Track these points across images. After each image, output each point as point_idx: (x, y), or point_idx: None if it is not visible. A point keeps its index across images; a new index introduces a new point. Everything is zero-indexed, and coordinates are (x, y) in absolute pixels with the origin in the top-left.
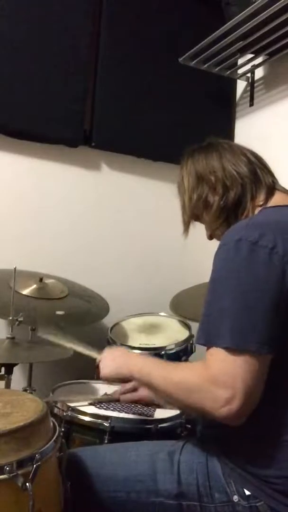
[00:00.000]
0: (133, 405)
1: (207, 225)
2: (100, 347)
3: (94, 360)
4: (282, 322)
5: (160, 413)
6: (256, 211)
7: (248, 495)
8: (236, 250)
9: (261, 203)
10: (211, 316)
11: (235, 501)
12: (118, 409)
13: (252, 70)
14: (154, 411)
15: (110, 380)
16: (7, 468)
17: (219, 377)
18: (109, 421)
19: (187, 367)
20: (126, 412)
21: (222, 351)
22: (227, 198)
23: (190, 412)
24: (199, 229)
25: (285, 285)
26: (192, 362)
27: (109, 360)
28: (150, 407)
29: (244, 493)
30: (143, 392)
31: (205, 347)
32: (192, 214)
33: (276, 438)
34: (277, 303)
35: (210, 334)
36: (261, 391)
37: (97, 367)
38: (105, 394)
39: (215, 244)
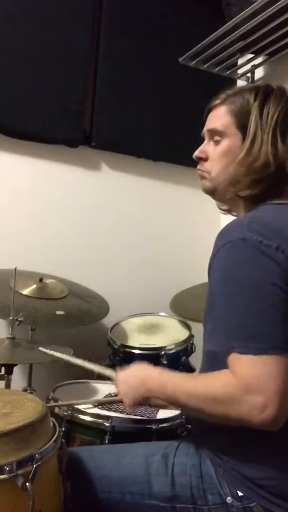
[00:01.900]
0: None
1: (222, 164)
2: (100, 347)
3: (93, 360)
4: None
5: (161, 414)
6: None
7: (241, 496)
8: (242, 250)
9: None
10: (228, 319)
11: (229, 502)
12: (120, 410)
13: (252, 70)
14: (157, 412)
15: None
16: (7, 468)
17: (251, 384)
18: (110, 421)
19: (212, 378)
20: (128, 413)
21: (249, 355)
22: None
23: (227, 423)
24: (199, 229)
25: None
26: (215, 372)
27: (127, 387)
28: (153, 409)
29: (237, 494)
30: None
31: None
32: (234, 124)
33: (269, 441)
34: None
35: (232, 339)
36: None
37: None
38: (109, 394)
39: None
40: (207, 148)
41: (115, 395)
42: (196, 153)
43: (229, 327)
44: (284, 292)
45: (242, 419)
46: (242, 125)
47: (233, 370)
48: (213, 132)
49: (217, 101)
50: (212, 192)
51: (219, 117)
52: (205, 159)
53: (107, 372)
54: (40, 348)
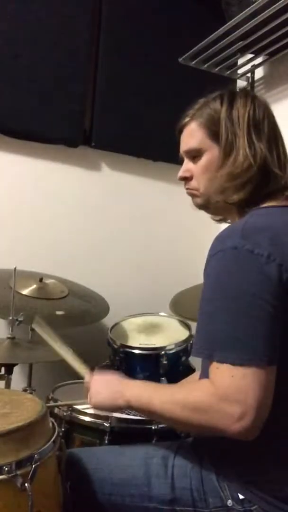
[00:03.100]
0: None
1: (206, 178)
2: (100, 347)
3: (93, 360)
4: (282, 331)
5: None
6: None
7: (243, 499)
8: (232, 260)
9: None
10: (213, 328)
11: (229, 505)
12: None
13: (252, 70)
14: None
15: (102, 410)
16: (6, 469)
17: (230, 394)
18: (109, 421)
19: (191, 387)
20: (126, 413)
21: (228, 365)
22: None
23: (201, 433)
24: (199, 228)
25: (283, 293)
26: (194, 382)
27: (101, 387)
28: None
29: (238, 497)
30: None
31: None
32: (208, 137)
33: (270, 444)
34: (276, 312)
35: (213, 348)
36: (270, 403)
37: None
38: None
39: None
40: (189, 166)
41: None
42: (180, 174)
43: (211, 335)
44: (271, 306)
45: (217, 428)
46: (215, 135)
47: (212, 379)
48: (191, 152)
49: (186, 119)
50: (205, 206)
51: (191, 135)
52: (190, 178)
53: (83, 371)
54: (36, 324)
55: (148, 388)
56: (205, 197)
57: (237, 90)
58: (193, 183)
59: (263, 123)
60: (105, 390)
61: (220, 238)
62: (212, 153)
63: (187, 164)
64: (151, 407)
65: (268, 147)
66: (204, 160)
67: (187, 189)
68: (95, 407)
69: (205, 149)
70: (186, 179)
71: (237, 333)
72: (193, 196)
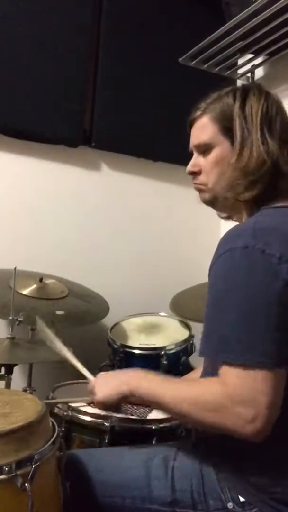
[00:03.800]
0: (129, 406)
1: (216, 173)
2: (100, 347)
3: (93, 360)
4: None
5: (158, 414)
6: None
7: (243, 502)
8: (243, 259)
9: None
10: (222, 329)
11: (230, 507)
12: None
13: (252, 70)
14: (149, 412)
15: (107, 406)
16: (6, 469)
17: (241, 395)
18: (110, 421)
19: (201, 384)
20: (125, 413)
21: (239, 367)
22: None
23: (208, 430)
24: (199, 228)
25: None
26: (204, 379)
27: (103, 384)
28: (145, 408)
29: (239, 499)
30: None
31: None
32: (220, 132)
33: (271, 447)
34: (286, 313)
35: (223, 349)
36: (280, 406)
37: (91, 392)
38: None
39: (216, 244)
40: (198, 161)
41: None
42: (189, 168)
43: (221, 336)
44: (281, 307)
45: (228, 428)
46: (227, 130)
47: (223, 380)
48: (201, 146)
49: (198, 113)
50: (212, 202)
51: (203, 128)
52: (199, 172)
53: (86, 373)
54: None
55: (153, 379)
56: (213, 193)
57: (252, 84)
58: (202, 178)
59: (276, 120)
60: (111, 381)
61: (230, 237)
62: (223, 148)
63: (196, 159)
64: (160, 400)
65: (280, 145)
66: (214, 154)
67: (195, 183)
68: (100, 403)
69: (216, 144)
70: (194, 174)
71: (247, 334)
72: (200, 191)
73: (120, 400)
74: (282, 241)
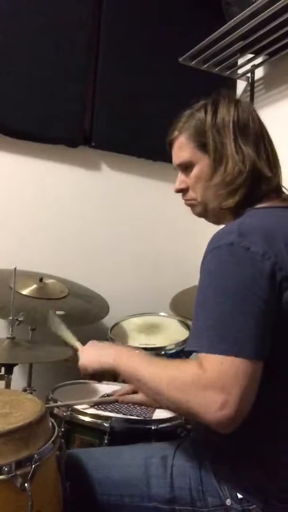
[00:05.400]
0: (131, 406)
1: (201, 188)
2: None
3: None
4: (273, 327)
5: (159, 414)
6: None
7: (241, 499)
8: (228, 255)
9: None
10: (204, 321)
11: (228, 505)
12: (116, 410)
13: (252, 70)
14: (152, 413)
15: (90, 373)
16: (6, 469)
17: (215, 380)
18: (109, 421)
19: (180, 365)
20: (124, 414)
21: (217, 355)
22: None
23: (179, 413)
24: (199, 228)
25: (275, 291)
26: (186, 360)
27: (91, 350)
28: (149, 409)
29: (237, 497)
30: (144, 396)
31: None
32: (197, 149)
33: (269, 444)
34: (268, 309)
35: (204, 340)
36: (253, 399)
37: (76, 355)
38: (105, 395)
39: None
40: (183, 178)
41: (111, 395)
42: (176, 186)
43: (203, 328)
44: (263, 302)
45: (196, 412)
46: (204, 146)
47: (202, 365)
48: (182, 165)
49: (175, 133)
50: (204, 214)
51: (181, 148)
52: (186, 189)
53: (76, 343)
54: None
55: (137, 355)
56: (203, 205)
57: (220, 95)
58: (190, 194)
59: (248, 127)
60: (96, 350)
61: (217, 236)
62: (203, 164)
63: (181, 176)
64: (139, 373)
65: (255, 150)
66: (195, 171)
67: (185, 200)
68: (82, 367)
69: (196, 160)
70: (182, 191)
71: (228, 326)
72: (192, 206)
73: (104, 370)
74: (265, 240)
